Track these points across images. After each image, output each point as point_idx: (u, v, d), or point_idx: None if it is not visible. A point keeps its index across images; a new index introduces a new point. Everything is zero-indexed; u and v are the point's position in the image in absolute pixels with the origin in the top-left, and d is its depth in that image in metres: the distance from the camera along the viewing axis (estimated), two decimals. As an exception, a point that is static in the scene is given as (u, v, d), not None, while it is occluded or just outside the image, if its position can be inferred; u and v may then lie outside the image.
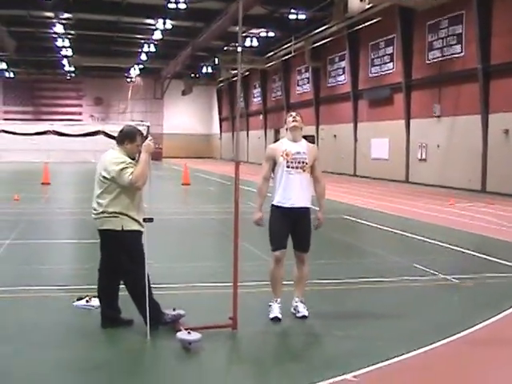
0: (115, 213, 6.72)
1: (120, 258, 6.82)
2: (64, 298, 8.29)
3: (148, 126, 58.87)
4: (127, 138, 6.94)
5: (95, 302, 7.62)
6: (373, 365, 5.92)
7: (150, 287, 6.77)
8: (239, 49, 7.00)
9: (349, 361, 6.06)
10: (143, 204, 6.99)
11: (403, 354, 6.22)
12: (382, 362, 6.01)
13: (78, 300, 7.92)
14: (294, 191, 7.34)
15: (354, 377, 5.65)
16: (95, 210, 6.89)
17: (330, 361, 6.17)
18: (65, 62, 61.94)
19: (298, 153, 7.39)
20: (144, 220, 6.85)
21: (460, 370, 6.08)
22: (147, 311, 6.64)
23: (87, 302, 7.82)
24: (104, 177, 6.77)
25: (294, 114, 7.64)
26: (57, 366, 5.94)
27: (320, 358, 6.29)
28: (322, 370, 5.85)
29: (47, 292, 8.64)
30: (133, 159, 6.83)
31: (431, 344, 6.53)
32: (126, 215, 6.73)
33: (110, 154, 6.90)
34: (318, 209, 7.66)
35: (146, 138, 7.00)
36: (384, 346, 6.51)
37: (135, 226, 6.80)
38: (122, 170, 6.63)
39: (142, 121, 65.67)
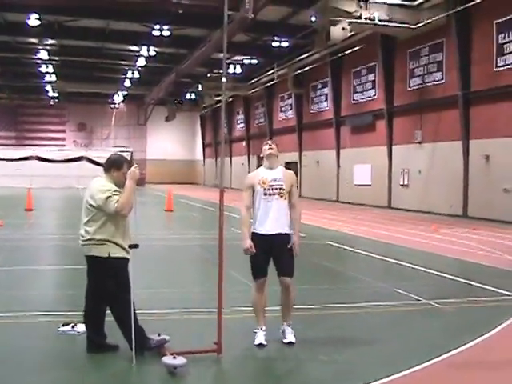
0: (102, 240, 6.81)
1: (106, 284, 6.90)
2: (49, 323, 8.31)
3: (131, 152, 59.16)
4: (114, 165, 7.04)
5: (80, 327, 7.67)
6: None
7: (135, 313, 6.83)
8: (224, 79, 7.14)
9: (331, 385, 6.16)
10: (129, 231, 7.08)
11: (384, 377, 6.32)
12: (363, 385, 6.11)
13: (63, 326, 7.94)
14: (271, 218, 7.45)
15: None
16: (82, 236, 6.96)
17: (313, 385, 6.27)
18: (48, 87, 62.06)
19: (275, 179, 7.52)
20: (129, 246, 6.95)
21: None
22: (133, 336, 6.70)
23: (72, 327, 7.85)
24: (91, 204, 6.87)
25: (269, 142, 7.81)
26: (43, 391, 5.99)
27: (304, 383, 6.38)
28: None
29: (32, 318, 8.67)
30: (119, 187, 6.92)
31: (411, 368, 6.64)
32: (113, 242, 6.82)
33: (97, 182, 7.00)
34: (292, 233, 7.69)
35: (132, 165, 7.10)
36: (366, 370, 6.61)
37: (121, 253, 6.89)
38: (108, 198, 6.73)
39: (125, 147, 65.93)
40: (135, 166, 7.01)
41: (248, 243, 7.47)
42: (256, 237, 7.51)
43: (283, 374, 6.78)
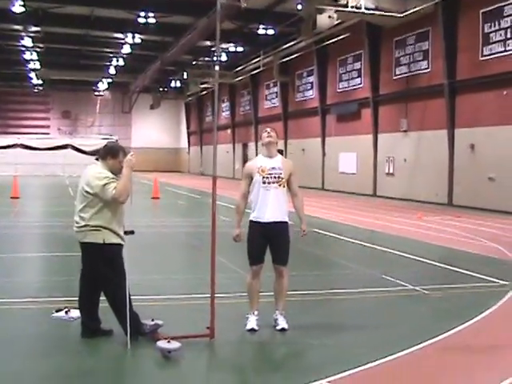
0: (97, 226, 6.89)
1: (101, 270, 6.98)
2: (42, 310, 8.40)
3: (116, 140, 58.97)
4: (110, 153, 7.11)
5: (74, 313, 7.77)
6: (346, 371, 6.15)
7: (130, 298, 6.93)
8: (217, 67, 7.24)
9: (324, 367, 6.27)
10: (124, 218, 7.16)
11: (375, 360, 6.46)
12: (355, 368, 6.24)
13: (56, 312, 8.02)
14: (270, 206, 7.54)
15: (329, 382, 5.88)
16: (77, 223, 7.03)
17: (306, 368, 6.38)
18: (32, 75, 61.69)
19: (274, 168, 7.61)
20: (125, 233, 7.05)
21: (429, 375, 6.33)
22: (127, 322, 6.80)
23: (66, 313, 7.93)
24: (87, 191, 6.93)
25: (268, 129, 7.87)
26: (42, 376, 6.09)
27: (296, 366, 6.52)
28: (297, 377, 6.07)
29: (25, 304, 8.73)
30: (114, 175, 7.00)
31: (400, 351, 6.79)
32: (108, 229, 6.91)
33: (93, 169, 7.07)
34: (302, 225, 7.88)
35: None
36: (357, 354, 6.74)
37: (116, 240, 6.97)
38: (105, 185, 6.81)
39: (110, 135, 65.81)
40: (131, 153, 7.09)
41: (237, 232, 7.62)
42: (255, 224, 7.62)
43: (275, 358, 6.93)
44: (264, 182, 7.56)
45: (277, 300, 7.79)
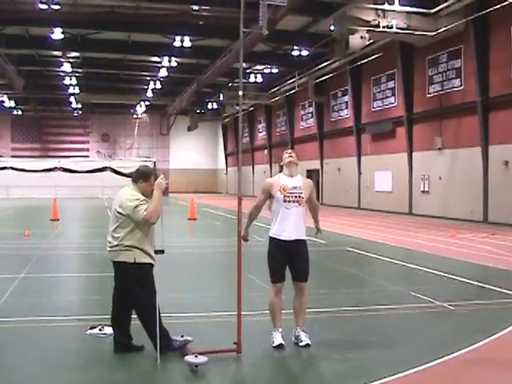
0: (129, 246, 7.22)
1: (132, 288, 7.30)
2: (77, 327, 8.74)
3: (154, 162, 59.75)
4: (142, 177, 7.46)
5: (107, 330, 8.09)
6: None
7: (159, 315, 7.22)
8: (240, 93, 7.50)
9: (345, 381, 6.49)
10: (154, 238, 7.48)
11: (396, 373, 6.66)
12: (377, 381, 6.44)
13: (91, 329, 8.35)
14: (289, 224, 7.76)
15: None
16: (110, 243, 7.37)
17: (328, 382, 6.60)
18: (72, 99, 62.86)
19: (295, 187, 7.84)
20: (156, 252, 7.36)
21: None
22: (157, 338, 7.10)
23: (100, 330, 8.25)
24: (119, 212, 7.28)
25: (289, 151, 8.15)
26: (76, 388, 6.41)
27: (319, 379, 6.73)
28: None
29: (61, 322, 9.09)
30: (146, 197, 7.33)
31: (423, 365, 6.96)
32: (139, 248, 7.23)
33: (125, 191, 7.43)
34: (315, 223, 8.31)
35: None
36: (380, 367, 6.93)
37: (147, 259, 7.29)
38: (137, 206, 7.14)
39: (148, 157, 66.61)
40: (162, 176, 7.42)
41: (244, 233, 7.98)
42: (275, 242, 7.84)
43: (299, 371, 7.14)
44: (285, 201, 7.78)
45: (297, 317, 7.96)
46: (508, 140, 27.07)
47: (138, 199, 7.21)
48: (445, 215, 31.28)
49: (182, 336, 7.44)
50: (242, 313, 7.53)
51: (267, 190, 7.94)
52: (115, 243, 7.29)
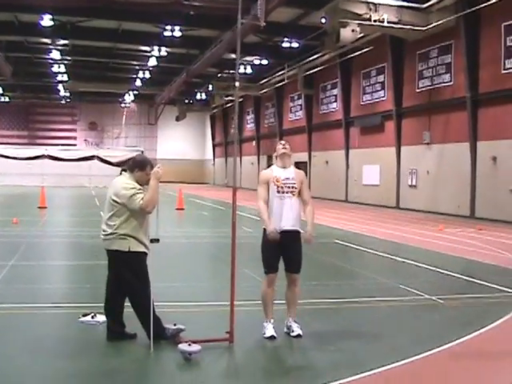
0: (124, 235, 7.23)
1: (126, 276, 7.32)
2: (69, 314, 8.76)
3: (142, 152, 59.54)
4: (138, 166, 7.47)
5: (100, 317, 8.12)
6: (359, 374, 6.43)
7: (153, 304, 7.25)
8: (237, 84, 7.53)
9: (337, 371, 6.54)
10: (149, 227, 7.50)
11: (387, 364, 6.74)
12: (368, 371, 6.52)
13: (83, 316, 8.37)
14: (284, 215, 7.78)
15: (341, 385, 6.18)
16: (104, 231, 7.38)
17: (320, 372, 6.66)
18: (60, 87, 62.62)
19: (288, 178, 7.87)
20: (151, 241, 7.39)
21: (437, 379, 6.58)
22: (150, 326, 7.13)
23: (92, 317, 8.28)
24: (114, 201, 7.28)
25: (283, 142, 8.16)
26: (68, 375, 6.42)
27: (311, 369, 6.79)
28: (312, 381, 6.37)
29: (52, 309, 9.13)
30: (141, 186, 7.35)
31: (413, 356, 7.05)
32: (134, 237, 7.25)
33: (121, 180, 7.43)
34: (308, 227, 7.97)
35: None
36: (370, 358, 7.01)
37: (141, 248, 7.32)
38: (133, 195, 7.16)
39: (135, 146, 66.46)
40: (158, 165, 7.44)
41: (273, 227, 7.68)
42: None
43: (292, 361, 7.19)
44: (278, 192, 7.80)
45: (289, 307, 8.01)
46: (496, 136, 27.20)
47: (133, 188, 7.23)
48: (432, 210, 31.41)
49: (175, 324, 7.47)
50: (234, 302, 7.56)
51: (265, 181, 7.92)
52: (110, 231, 7.30)
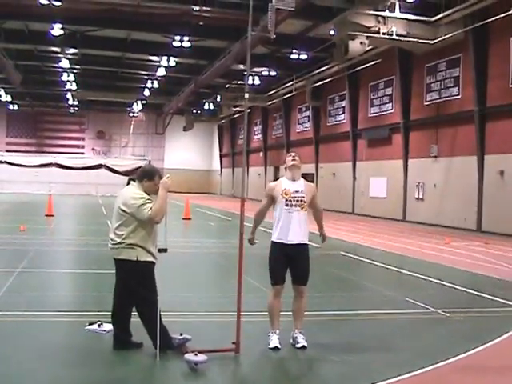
0: (132, 244, 7.27)
1: (133, 286, 7.36)
2: (76, 323, 8.79)
3: (149, 161, 59.68)
4: (146, 176, 7.51)
5: (106, 326, 8.15)
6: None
7: (160, 313, 7.28)
8: (246, 95, 7.56)
9: (345, 383, 6.56)
10: (157, 237, 7.55)
11: (391, 378, 6.74)
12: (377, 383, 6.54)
13: (90, 324, 8.41)
14: (292, 228, 7.80)
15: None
16: (112, 240, 7.42)
17: (325, 383, 6.68)
18: (69, 95, 62.70)
19: (297, 191, 7.87)
20: (159, 250, 7.44)
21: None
22: (157, 335, 7.16)
23: (99, 326, 8.31)
24: (123, 210, 7.33)
25: (293, 154, 8.16)
26: (75, 382, 6.47)
27: (316, 380, 6.82)
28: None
29: (59, 317, 9.15)
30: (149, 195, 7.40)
31: (418, 369, 7.05)
32: (142, 247, 7.29)
33: (130, 190, 7.48)
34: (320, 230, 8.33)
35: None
36: (375, 371, 7.02)
37: (149, 258, 7.36)
38: (141, 205, 7.20)
39: (143, 155, 66.57)
40: (167, 176, 7.48)
41: (251, 236, 8.15)
42: (277, 246, 7.88)
43: (298, 372, 7.23)
44: (287, 205, 7.81)
45: (296, 319, 8.02)
46: (504, 150, 27.19)
47: (142, 197, 7.27)
48: (438, 223, 31.38)
49: (181, 334, 7.50)
50: (241, 313, 7.59)
51: (270, 195, 8.00)
52: (118, 241, 7.34)
